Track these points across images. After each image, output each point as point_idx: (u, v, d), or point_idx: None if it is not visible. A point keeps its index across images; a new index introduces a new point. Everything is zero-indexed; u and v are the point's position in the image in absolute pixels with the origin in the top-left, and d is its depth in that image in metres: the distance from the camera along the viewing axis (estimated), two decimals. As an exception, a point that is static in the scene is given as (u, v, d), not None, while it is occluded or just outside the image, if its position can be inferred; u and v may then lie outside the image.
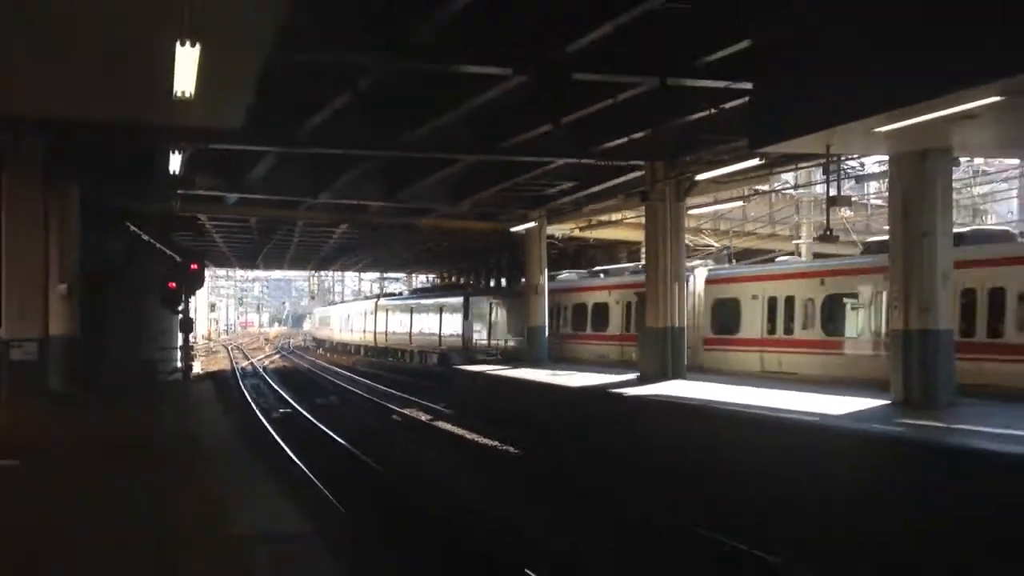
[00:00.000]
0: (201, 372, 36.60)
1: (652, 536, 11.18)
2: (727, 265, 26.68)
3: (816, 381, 18.47)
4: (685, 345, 20.37)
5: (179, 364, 29.76)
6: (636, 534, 11.28)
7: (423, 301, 43.38)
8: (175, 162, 17.12)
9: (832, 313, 19.91)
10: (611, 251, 35.84)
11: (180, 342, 27.70)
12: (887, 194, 17.35)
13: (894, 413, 13.35)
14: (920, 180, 13.95)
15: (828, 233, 16.33)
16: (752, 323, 21.84)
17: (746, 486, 12.86)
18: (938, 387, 13.90)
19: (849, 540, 10.57)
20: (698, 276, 23.85)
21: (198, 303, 63.27)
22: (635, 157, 20.18)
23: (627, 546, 10.92)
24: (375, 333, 50.29)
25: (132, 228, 27.42)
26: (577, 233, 31.78)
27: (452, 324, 37.47)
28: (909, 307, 14.10)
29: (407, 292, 59.28)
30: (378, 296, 57.75)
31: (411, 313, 44.04)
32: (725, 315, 22.98)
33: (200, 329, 74.32)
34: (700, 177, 19.53)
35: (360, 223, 31.46)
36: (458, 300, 37.25)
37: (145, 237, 29.12)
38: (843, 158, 18.03)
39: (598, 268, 31.64)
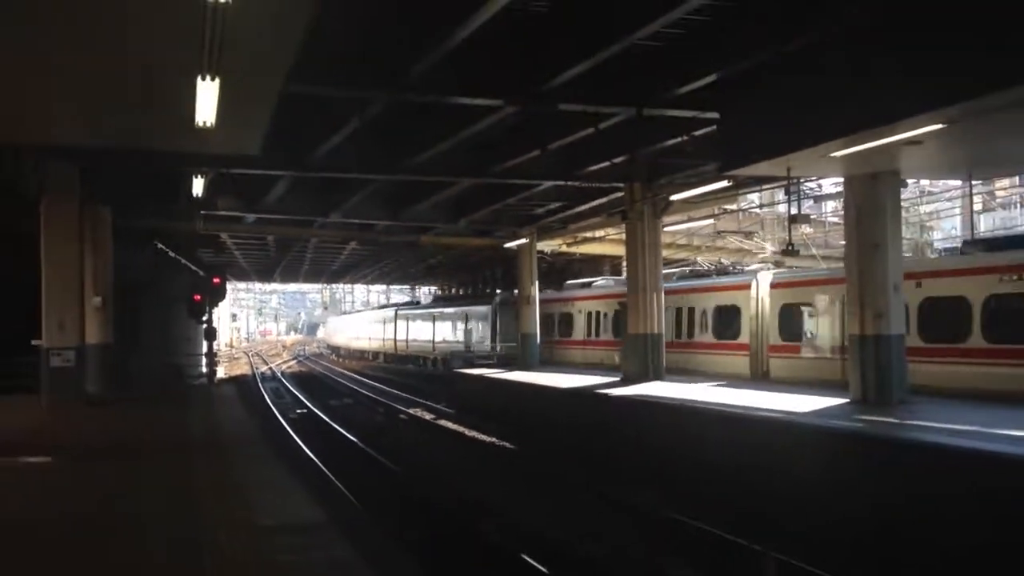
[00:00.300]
0: (225, 376, 36.49)
1: (626, 516, 11.70)
2: (791, 268, 23.11)
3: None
4: (664, 348, 20.33)
5: (204, 369, 29.69)
6: (611, 515, 11.81)
7: (446, 309, 41.29)
8: (198, 185, 17.13)
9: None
10: (595, 265, 35.87)
11: (205, 349, 27.66)
12: (843, 212, 17.38)
13: (853, 410, 13.36)
14: (872, 199, 14.00)
15: (790, 248, 16.35)
16: (827, 330, 18.12)
17: (713, 474, 12.97)
18: (891, 387, 13.92)
19: (808, 520, 10.61)
20: (761, 280, 20.56)
21: (221, 313, 63.05)
22: (615, 179, 20.23)
23: (602, 524, 11.19)
24: (395, 340, 47.86)
25: (160, 245, 27.38)
26: (564, 248, 31.81)
27: (481, 330, 35.65)
28: (864, 314, 14.12)
29: (421, 301, 56.97)
30: (397, 305, 55.79)
31: (433, 321, 41.76)
32: (794, 321, 19.23)
33: (223, 337, 74.11)
34: (674, 197, 19.67)
35: (367, 240, 31.45)
36: (486, 308, 35.67)
37: (171, 254, 29.09)
38: (802, 180, 18.08)
39: (588, 280, 31.49)
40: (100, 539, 6.84)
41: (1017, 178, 33.08)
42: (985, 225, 35.33)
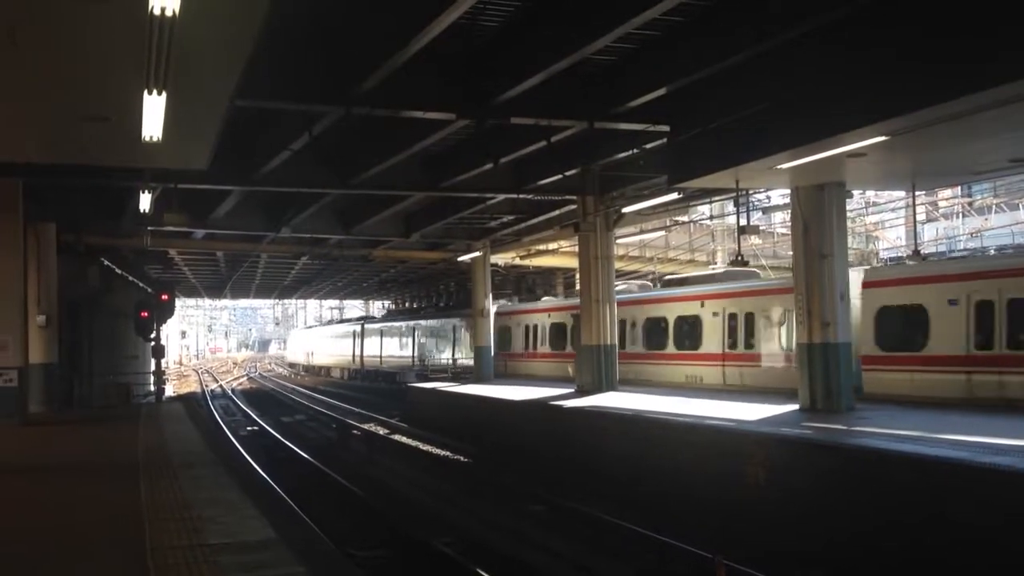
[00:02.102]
0: (174, 394, 35.87)
1: (569, 521, 12.13)
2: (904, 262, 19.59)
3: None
4: (617, 359, 20.46)
5: (152, 387, 29.17)
6: (556, 520, 12.17)
7: (429, 322, 39.16)
8: (145, 201, 16.84)
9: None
10: (549, 277, 36.03)
11: (153, 367, 27.18)
12: (791, 223, 17.72)
13: (801, 418, 13.59)
14: (818, 210, 14.29)
15: (739, 259, 16.59)
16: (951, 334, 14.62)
17: (661, 482, 13.27)
18: (839, 394, 14.17)
19: (747, 523, 10.79)
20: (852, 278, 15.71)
21: (169, 331, 62.04)
22: (567, 192, 20.37)
23: (550, 530, 11.36)
24: (362, 357, 45.58)
25: (106, 262, 26.88)
26: (518, 261, 31.92)
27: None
28: (812, 322, 14.38)
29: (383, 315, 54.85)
30: (363, 319, 53.67)
31: (413, 335, 39.62)
32: (899, 326, 15.64)
33: (172, 355, 72.89)
34: (626, 209, 19.91)
35: (319, 255, 31.21)
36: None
37: (118, 270, 28.57)
38: (751, 192, 18.39)
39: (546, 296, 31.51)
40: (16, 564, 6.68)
41: (959, 189, 34.06)
42: (928, 235, 36.27)
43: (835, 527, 10.15)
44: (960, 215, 36.52)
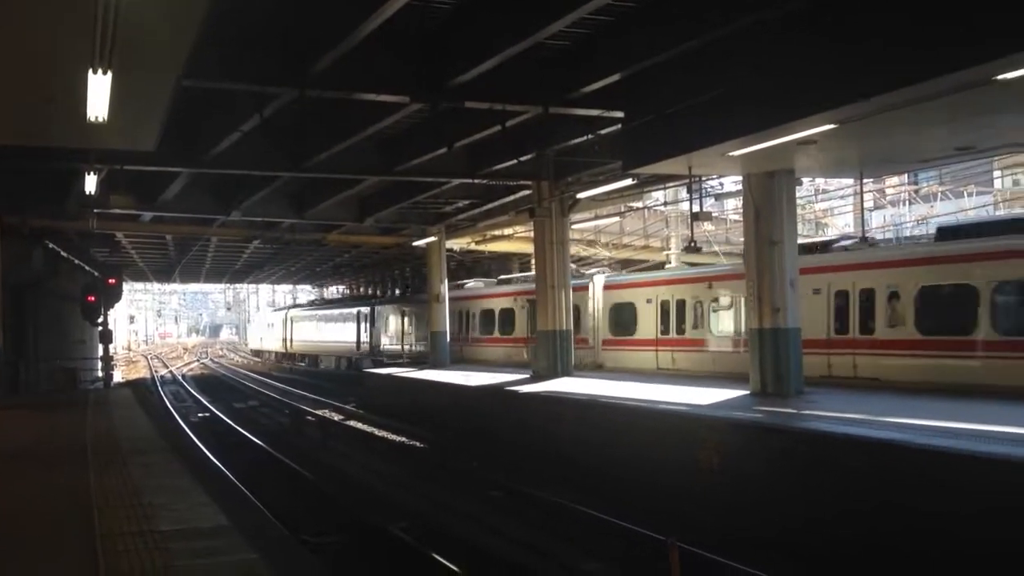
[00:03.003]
0: (122, 380, 35.28)
1: (526, 506, 12.23)
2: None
3: None
4: (573, 344, 20.57)
5: (100, 373, 28.66)
6: (513, 506, 12.25)
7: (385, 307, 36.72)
8: (91, 183, 16.46)
9: None
10: (504, 263, 36.02)
11: (100, 352, 26.70)
12: (742, 209, 17.93)
13: (752, 402, 13.81)
14: (769, 197, 14.48)
15: (692, 245, 16.76)
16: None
17: (616, 467, 13.41)
18: (789, 378, 14.43)
19: (700, 507, 10.96)
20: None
21: (117, 315, 60.88)
22: (523, 177, 20.37)
23: (507, 516, 11.44)
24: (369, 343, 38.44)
25: (51, 245, 26.28)
26: (473, 246, 31.86)
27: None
28: (762, 308, 14.59)
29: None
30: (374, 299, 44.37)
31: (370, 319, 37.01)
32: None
33: (120, 340, 71.58)
34: (581, 195, 19.96)
35: (271, 239, 30.83)
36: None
37: (64, 253, 27.95)
38: (704, 178, 18.57)
39: (505, 277, 31.40)
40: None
41: (906, 177, 34.77)
42: (876, 222, 37.00)
43: (788, 511, 10.35)
44: (907, 202, 37.29)
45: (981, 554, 8.27)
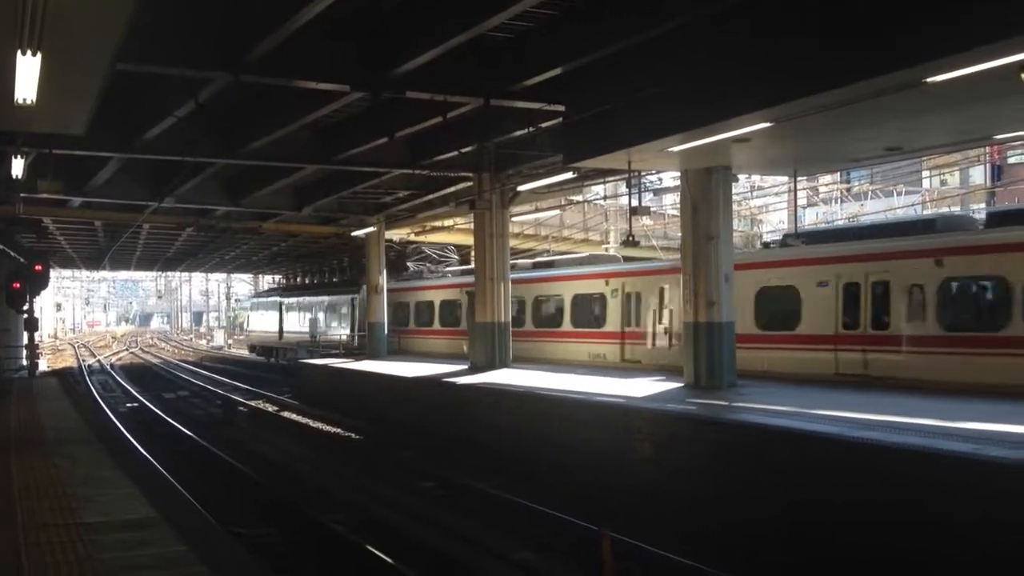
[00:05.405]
0: (48, 369, 34.33)
1: (462, 497, 12.33)
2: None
3: None
4: (511, 336, 20.65)
5: (25, 362, 27.86)
6: (449, 497, 12.35)
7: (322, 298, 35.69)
8: (17, 167, 15.96)
9: None
10: (445, 254, 35.91)
11: (25, 340, 25.96)
12: (680, 205, 18.19)
13: (687, 394, 14.07)
14: (706, 193, 14.75)
15: (631, 239, 16.95)
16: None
17: (552, 458, 13.59)
18: (722, 371, 14.73)
19: (634, 496, 11.16)
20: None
21: (44, 303, 59.04)
22: (463, 169, 20.36)
23: (442, 507, 11.38)
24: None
25: (-27, 230, 25.44)
26: (413, 237, 31.74)
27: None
28: (698, 302, 14.86)
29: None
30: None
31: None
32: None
33: (46, 328, 69.58)
34: (522, 188, 20.03)
35: (205, 227, 30.25)
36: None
37: (-13, 239, 27.08)
38: (643, 173, 18.79)
39: (453, 269, 31.17)
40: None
41: (838, 175, 35.68)
42: (809, 218, 37.89)
43: (719, 502, 10.60)
44: (839, 200, 38.23)
45: (873, 543, 8.65)
